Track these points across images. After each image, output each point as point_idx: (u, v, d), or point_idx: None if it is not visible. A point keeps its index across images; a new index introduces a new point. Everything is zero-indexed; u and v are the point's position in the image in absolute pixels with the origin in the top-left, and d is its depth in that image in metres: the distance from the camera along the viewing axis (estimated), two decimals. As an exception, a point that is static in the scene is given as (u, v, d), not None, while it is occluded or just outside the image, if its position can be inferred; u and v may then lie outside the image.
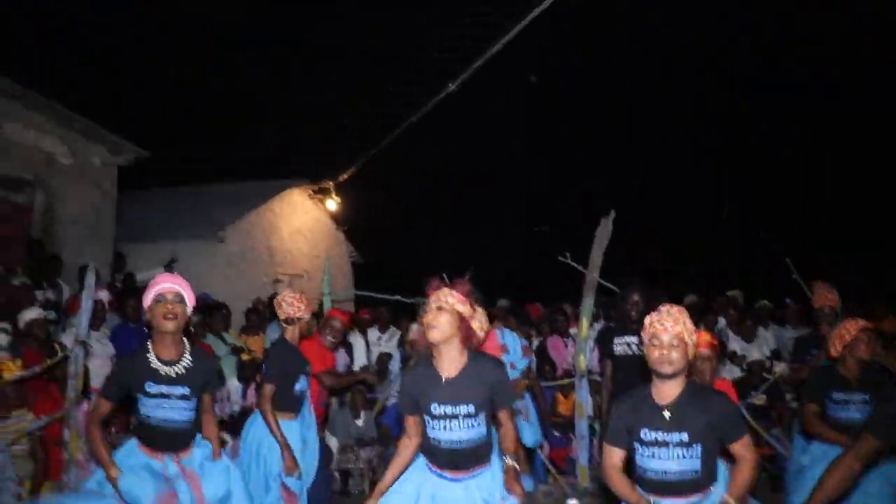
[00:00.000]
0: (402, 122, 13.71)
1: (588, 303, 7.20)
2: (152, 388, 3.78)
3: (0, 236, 8.62)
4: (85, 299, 5.58)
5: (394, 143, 14.37)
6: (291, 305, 5.25)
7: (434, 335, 3.64)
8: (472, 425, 3.69)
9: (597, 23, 19.50)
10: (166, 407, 3.79)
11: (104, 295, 6.84)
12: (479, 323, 3.87)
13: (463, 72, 12.00)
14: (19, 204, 10.66)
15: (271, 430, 4.80)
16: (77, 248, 10.87)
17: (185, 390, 3.82)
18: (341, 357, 9.16)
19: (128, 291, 8.28)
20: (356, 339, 9.79)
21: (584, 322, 7.13)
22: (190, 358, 3.89)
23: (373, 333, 10.12)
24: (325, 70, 20.67)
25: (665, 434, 3.45)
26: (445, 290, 3.72)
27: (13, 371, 5.28)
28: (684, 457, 3.42)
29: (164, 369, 3.81)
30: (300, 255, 15.71)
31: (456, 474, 3.75)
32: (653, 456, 3.47)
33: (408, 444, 3.84)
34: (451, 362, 3.70)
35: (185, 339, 3.94)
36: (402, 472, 3.82)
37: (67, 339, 5.90)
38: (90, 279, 5.62)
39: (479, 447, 3.76)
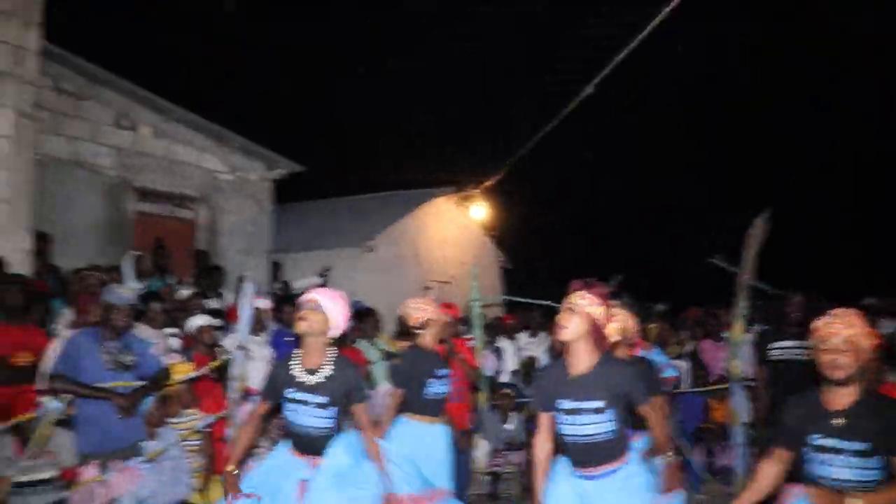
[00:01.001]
0: (544, 126, 13.62)
1: (741, 305, 6.95)
2: (291, 394, 3.92)
3: (170, 249, 9.20)
4: (243, 307, 5.89)
5: (539, 147, 14.29)
6: (417, 310, 5.31)
7: (562, 334, 3.75)
8: (600, 421, 3.70)
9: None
10: (302, 413, 3.92)
11: (263, 303, 7.15)
12: (616, 327, 3.88)
13: (602, 71, 11.76)
14: (186, 219, 11.47)
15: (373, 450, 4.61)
16: (237, 258, 11.53)
17: (323, 399, 3.90)
18: (490, 361, 9.24)
19: (284, 299, 8.64)
20: (505, 344, 9.83)
21: (738, 325, 6.90)
22: (332, 367, 3.95)
23: (523, 338, 10.12)
24: (467, 79, 20.90)
25: (838, 441, 3.40)
26: (580, 293, 3.78)
27: (184, 372, 5.62)
28: (860, 467, 3.35)
29: (304, 377, 3.93)
30: (448, 261, 15.91)
31: (588, 471, 3.76)
32: (823, 462, 3.44)
33: (540, 441, 3.91)
34: (580, 360, 3.76)
35: (331, 349, 4.01)
36: (546, 472, 3.85)
37: (230, 343, 6.21)
38: (247, 289, 5.94)
39: (609, 444, 3.74)
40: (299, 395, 3.90)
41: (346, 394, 3.95)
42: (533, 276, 16.72)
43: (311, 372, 3.92)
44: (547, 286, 8.70)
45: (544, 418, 3.90)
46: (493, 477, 7.81)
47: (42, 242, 7.92)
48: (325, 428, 3.91)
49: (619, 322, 4.56)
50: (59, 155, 9.72)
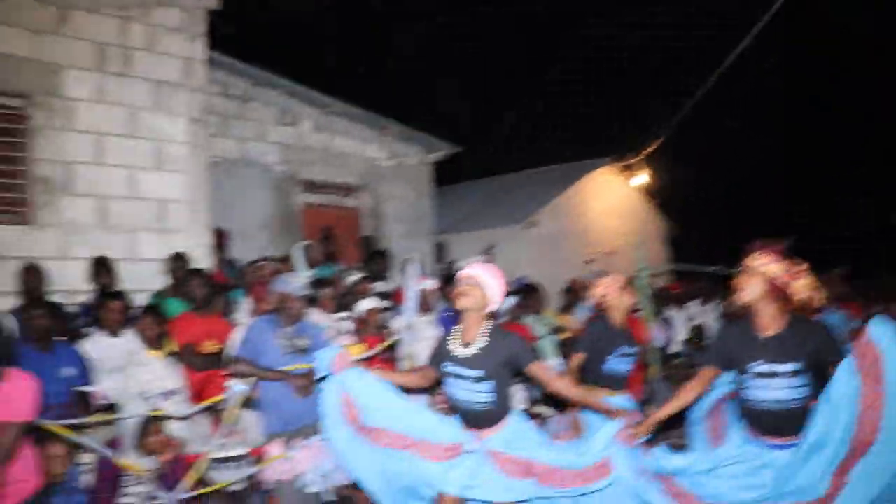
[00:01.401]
0: (704, 84, 13.07)
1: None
2: (448, 367, 3.93)
3: (338, 237, 9.54)
4: (408, 289, 6.03)
5: (700, 108, 13.74)
6: (601, 289, 5.21)
7: (741, 297, 3.73)
8: (795, 385, 3.58)
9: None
10: (460, 388, 3.88)
11: (428, 283, 7.29)
12: (804, 284, 3.68)
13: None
14: (350, 207, 11.87)
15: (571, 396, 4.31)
16: (402, 242, 11.83)
17: (479, 373, 3.85)
18: (659, 332, 9.02)
19: (450, 278, 8.77)
20: (674, 314, 9.57)
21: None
22: (487, 339, 3.89)
23: (692, 307, 9.80)
24: (623, 47, 20.39)
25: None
26: (756, 253, 3.72)
27: (359, 352, 5.83)
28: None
29: (460, 351, 3.91)
30: (612, 233, 15.63)
31: (776, 440, 3.63)
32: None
33: (693, 389, 3.91)
34: (769, 322, 3.69)
35: (489, 323, 3.96)
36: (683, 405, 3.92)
37: (398, 324, 6.38)
38: (412, 271, 6.08)
39: (799, 412, 3.59)
40: (455, 369, 3.90)
41: (507, 362, 3.87)
42: (699, 243, 16.12)
43: (467, 345, 3.90)
44: (714, 252, 8.41)
45: (710, 373, 3.89)
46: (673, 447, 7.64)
47: (219, 237, 8.42)
48: (484, 402, 3.84)
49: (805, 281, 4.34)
50: (229, 155, 10.31)
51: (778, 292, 3.66)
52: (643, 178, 15.81)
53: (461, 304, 3.90)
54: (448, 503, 3.82)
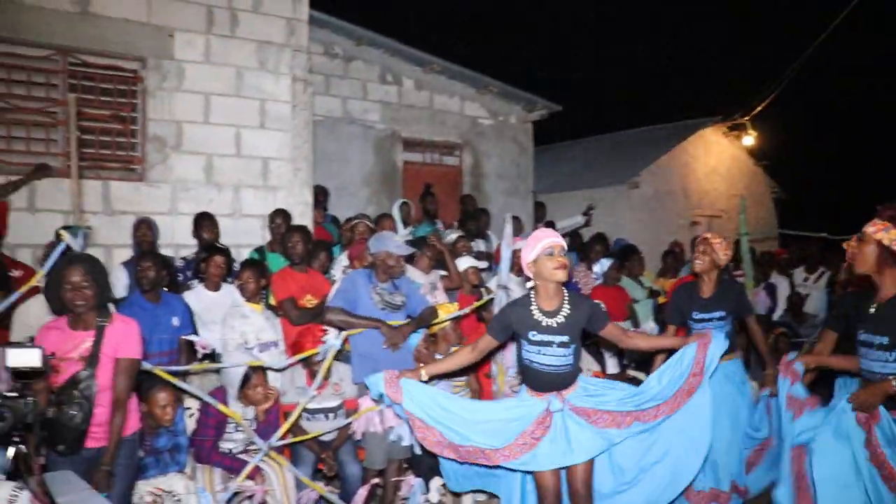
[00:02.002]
0: (814, 42, 12.48)
1: None
2: (535, 336, 3.96)
3: (438, 195, 9.65)
4: (504, 248, 6.07)
5: (808, 67, 13.14)
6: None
7: (857, 267, 3.78)
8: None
9: None
10: (547, 354, 3.94)
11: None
12: None
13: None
14: (452, 165, 11.98)
15: (646, 346, 4.69)
16: (502, 201, 11.86)
17: (565, 338, 3.94)
18: (762, 298, 8.78)
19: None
20: (779, 280, 9.30)
21: None
22: (569, 307, 3.97)
23: (799, 274, 9.48)
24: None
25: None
26: (874, 220, 3.74)
27: (450, 311, 5.93)
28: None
29: (546, 320, 3.95)
30: (717, 194, 15.26)
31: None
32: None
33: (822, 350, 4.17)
34: (884, 290, 3.75)
35: (563, 289, 4.01)
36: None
37: (493, 283, 6.44)
38: (508, 230, 6.10)
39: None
40: (542, 337, 3.95)
41: (584, 326, 4.01)
42: (808, 207, 15.53)
43: (551, 315, 3.95)
44: (823, 218, 8.12)
45: (832, 336, 4.11)
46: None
47: (321, 195, 8.64)
48: (568, 365, 3.96)
49: None
50: (331, 113, 10.53)
51: (893, 259, 3.66)
52: (751, 139, 15.27)
53: (564, 274, 3.90)
54: (548, 480, 3.94)
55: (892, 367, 3.58)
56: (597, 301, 4.36)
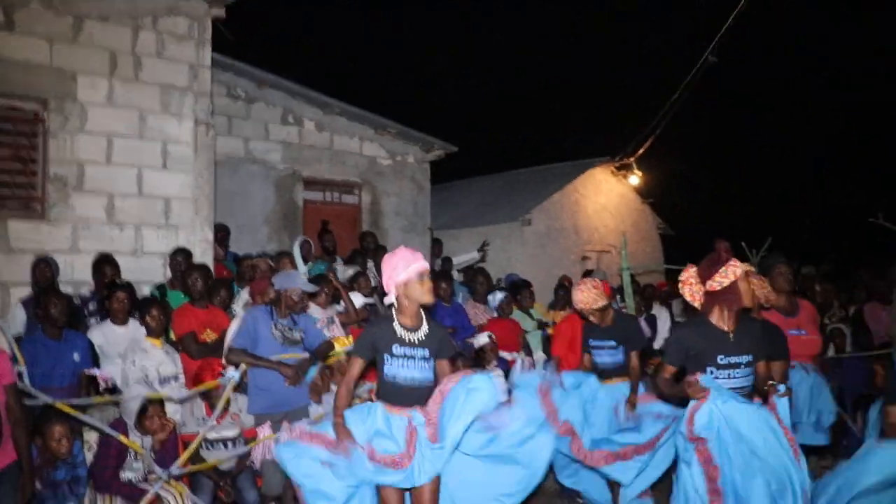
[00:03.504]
0: (689, 86, 13.41)
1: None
2: (398, 349, 4.16)
3: (335, 232, 9.99)
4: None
5: (686, 112, 14.05)
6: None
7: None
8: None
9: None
10: (410, 367, 4.16)
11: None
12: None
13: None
14: (351, 204, 12.36)
15: None
16: (400, 237, 12.27)
17: (426, 352, 4.18)
18: (643, 327, 9.39)
19: (442, 275, 9.16)
20: (659, 311, 9.92)
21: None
22: (427, 326, 4.26)
23: (678, 305, 10.14)
24: (614, 50, 20.72)
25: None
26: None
27: (346, 344, 6.26)
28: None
29: (408, 335, 4.17)
30: (606, 230, 15.96)
31: None
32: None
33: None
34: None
35: (421, 311, 4.30)
36: None
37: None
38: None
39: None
40: (404, 350, 4.18)
41: (438, 350, 4.27)
42: (691, 242, 16.46)
43: (412, 330, 4.20)
44: (705, 252, 8.76)
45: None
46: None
47: (222, 233, 8.86)
48: (429, 379, 4.22)
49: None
50: (234, 153, 10.79)
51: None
52: (636, 178, 16.11)
53: (431, 299, 4.23)
54: (392, 496, 4.14)
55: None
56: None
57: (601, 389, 5.72)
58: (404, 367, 4.18)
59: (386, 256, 4.35)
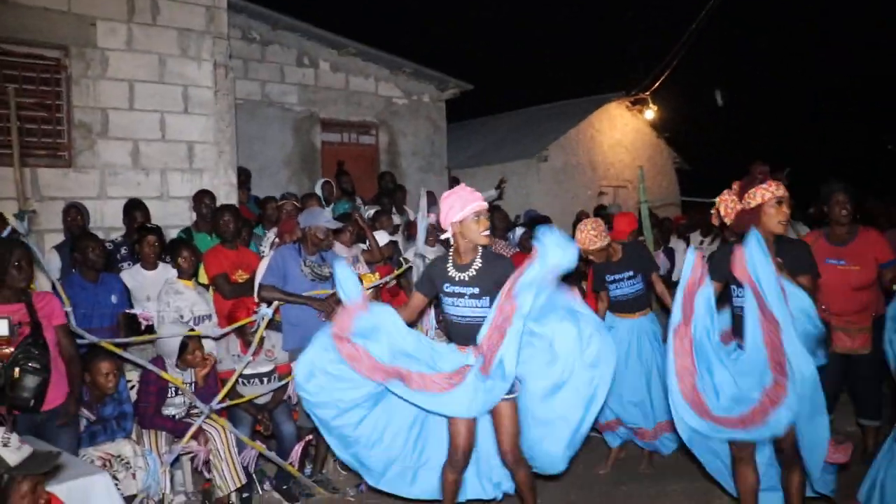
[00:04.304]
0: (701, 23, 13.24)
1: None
2: (448, 288, 4.25)
3: (356, 174, 10.07)
4: (420, 220, 6.56)
5: (700, 46, 13.91)
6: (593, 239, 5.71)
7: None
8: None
9: None
10: (460, 305, 4.23)
11: (436, 216, 7.77)
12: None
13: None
14: (368, 144, 12.40)
15: None
16: (417, 177, 12.35)
17: (475, 290, 4.18)
18: (662, 260, 9.49)
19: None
20: (677, 244, 10.00)
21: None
22: (481, 262, 4.25)
23: (695, 238, 10.22)
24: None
25: None
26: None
27: (371, 280, 6.39)
28: None
29: (458, 274, 4.22)
30: (622, 166, 16.01)
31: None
32: None
33: None
34: None
35: (480, 247, 4.29)
36: None
37: (410, 254, 6.92)
38: (423, 204, 6.59)
39: None
40: (454, 289, 4.24)
41: (497, 283, 4.19)
42: (709, 175, 16.43)
43: (464, 269, 4.23)
44: (724, 185, 8.77)
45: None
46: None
47: (243, 176, 8.94)
48: (481, 318, 4.19)
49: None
50: (250, 96, 10.81)
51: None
52: (652, 112, 16.08)
53: (487, 240, 4.22)
54: (461, 426, 4.22)
55: None
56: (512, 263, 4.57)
57: (621, 324, 5.81)
58: (454, 306, 4.26)
59: (444, 194, 4.34)
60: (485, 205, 4.21)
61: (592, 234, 5.68)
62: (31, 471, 2.69)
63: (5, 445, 2.70)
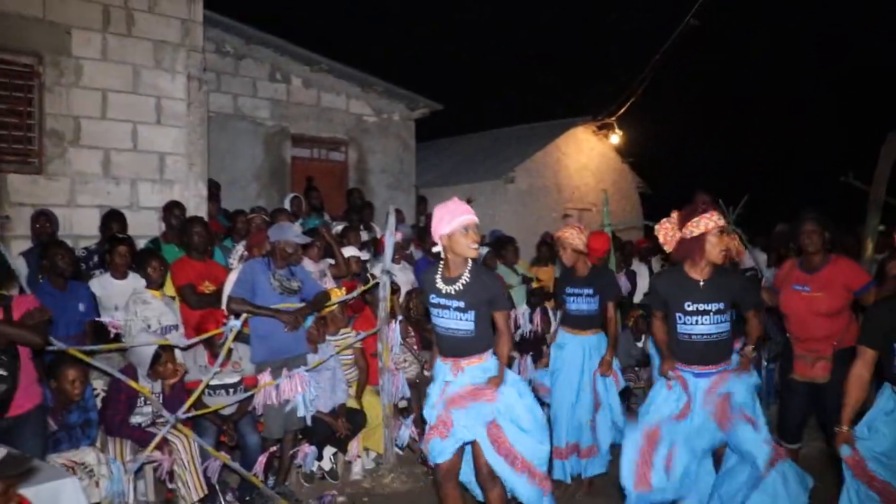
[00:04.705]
0: (665, 47, 13.59)
1: (873, 223, 7.02)
2: (434, 299, 4.29)
3: (325, 189, 10.16)
4: (388, 237, 6.68)
5: (666, 71, 14.25)
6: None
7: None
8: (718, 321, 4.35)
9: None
10: (445, 317, 4.26)
11: (401, 235, 7.85)
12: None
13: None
14: (338, 161, 12.50)
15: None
16: (386, 194, 12.46)
17: (461, 304, 4.20)
18: (624, 283, 9.68)
19: (427, 230, 9.37)
20: (639, 266, 10.20)
21: (870, 244, 6.98)
22: (469, 276, 4.28)
23: (656, 262, 10.43)
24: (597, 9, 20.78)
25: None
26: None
27: (338, 295, 6.48)
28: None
29: (445, 287, 4.25)
30: (587, 189, 16.24)
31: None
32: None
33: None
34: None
35: (469, 261, 4.32)
36: None
37: (377, 270, 7.02)
38: (390, 221, 6.71)
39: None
40: (440, 301, 4.29)
41: (485, 301, 4.29)
42: (672, 200, 16.75)
43: (451, 282, 4.27)
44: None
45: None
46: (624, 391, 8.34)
47: (212, 188, 8.99)
48: (466, 331, 4.29)
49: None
50: (222, 110, 10.87)
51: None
52: (617, 137, 16.38)
53: (475, 253, 4.27)
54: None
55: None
56: (503, 287, 4.70)
57: (572, 340, 5.98)
58: (440, 317, 4.32)
59: (435, 207, 4.36)
60: (474, 219, 4.24)
61: (576, 233, 5.89)
62: (5, 473, 2.75)
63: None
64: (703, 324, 4.34)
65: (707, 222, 4.25)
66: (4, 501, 2.75)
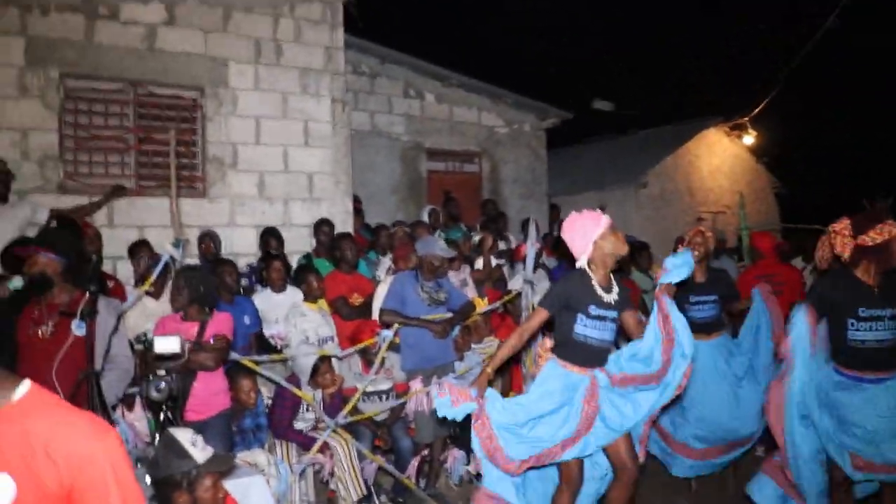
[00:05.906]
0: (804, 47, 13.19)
1: None
2: (595, 311, 4.16)
3: (459, 201, 10.45)
4: (529, 246, 6.86)
5: (804, 69, 13.84)
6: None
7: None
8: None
9: None
10: (600, 329, 4.18)
11: (539, 244, 8.02)
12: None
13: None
14: (471, 172, 12.80)
15: None
16: (519, 204, 12.67)
17: (615, 314, 4.20)
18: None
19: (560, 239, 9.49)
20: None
21: None
22: (617, 286, 4.33)
23: (798, 263, 10.20)
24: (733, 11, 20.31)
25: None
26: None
27: (482, 306, 6.73)
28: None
29: (605, 296, 4.18)
30: (721, 191, 15.98)
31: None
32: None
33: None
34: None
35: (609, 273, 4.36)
36: None
37: (517, 280, 7.22)
38: (532, 230, 6.88)
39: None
40: (599, 312, 4.19)
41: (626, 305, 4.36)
42: (810, 201, 16.23)
43: (607, 290, 4.22)
44: (823, 211, 8.79)
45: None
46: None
47: (356, 203, 9.44)
48: (612, 341, 4.33)
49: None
50: (360, 127, 11.36)
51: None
52: (750, 138, 16.02)
53: (626, 249, 4.30)
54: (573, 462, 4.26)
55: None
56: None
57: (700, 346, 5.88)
58: (596, 329, 4.20)
59: (565, 225, 4.36)
60: (610, 219, 4.29)
61: (700, 235, 5.90)
62: (214, 468, 3.13)
63: (194, 445, 3.15)
64: (877, 330, 4.33)
65: (892, 229, 4.26)
66: (214, 493, 3.13)
